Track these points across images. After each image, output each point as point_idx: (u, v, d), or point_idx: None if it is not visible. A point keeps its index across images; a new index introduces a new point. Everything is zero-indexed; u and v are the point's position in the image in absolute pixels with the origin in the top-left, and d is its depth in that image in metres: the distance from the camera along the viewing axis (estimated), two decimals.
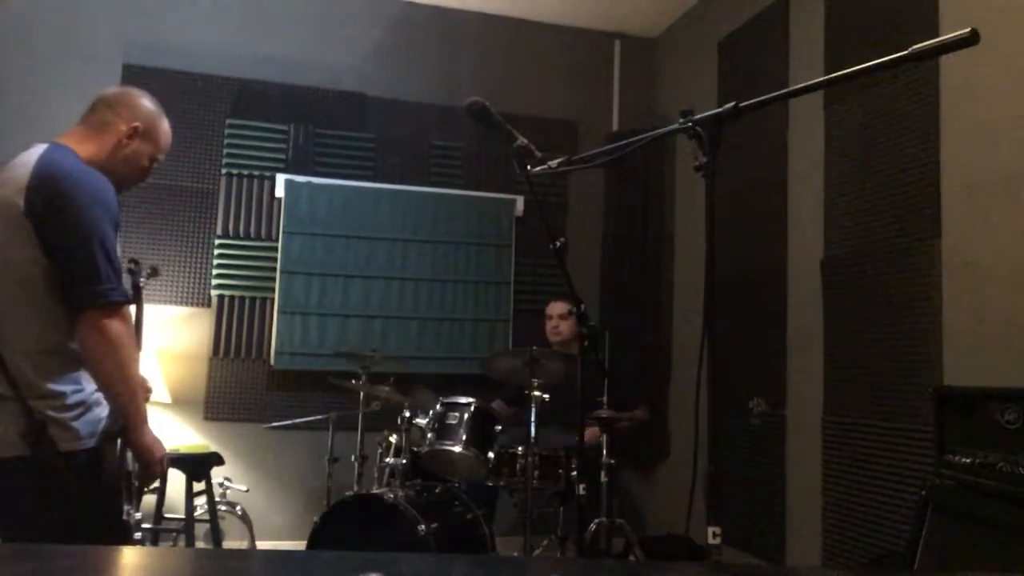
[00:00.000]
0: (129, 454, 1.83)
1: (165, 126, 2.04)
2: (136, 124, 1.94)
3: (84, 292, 1.70)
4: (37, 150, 1.80)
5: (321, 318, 4.26)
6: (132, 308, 1.89)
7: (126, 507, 1.80)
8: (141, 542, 1.87)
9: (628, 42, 5.00)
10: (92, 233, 1.71)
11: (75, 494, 1.68)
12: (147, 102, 1.99)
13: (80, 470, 1.70)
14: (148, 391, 2.08)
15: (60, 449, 1.68)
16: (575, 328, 3.80)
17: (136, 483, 1.86)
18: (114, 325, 1.72)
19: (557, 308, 3.95)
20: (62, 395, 1.71)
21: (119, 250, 1.81)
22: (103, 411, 1.77)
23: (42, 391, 1.69)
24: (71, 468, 1.69)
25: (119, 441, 1.80)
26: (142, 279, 2.18)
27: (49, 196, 1.69)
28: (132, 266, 2.19)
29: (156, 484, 2.27)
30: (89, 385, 1.76)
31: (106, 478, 1.76)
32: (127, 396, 1.76)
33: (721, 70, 4.16)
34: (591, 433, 3.27)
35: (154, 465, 1.84)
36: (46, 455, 1.66)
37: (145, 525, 3.58)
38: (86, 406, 1.74)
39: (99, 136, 1.91)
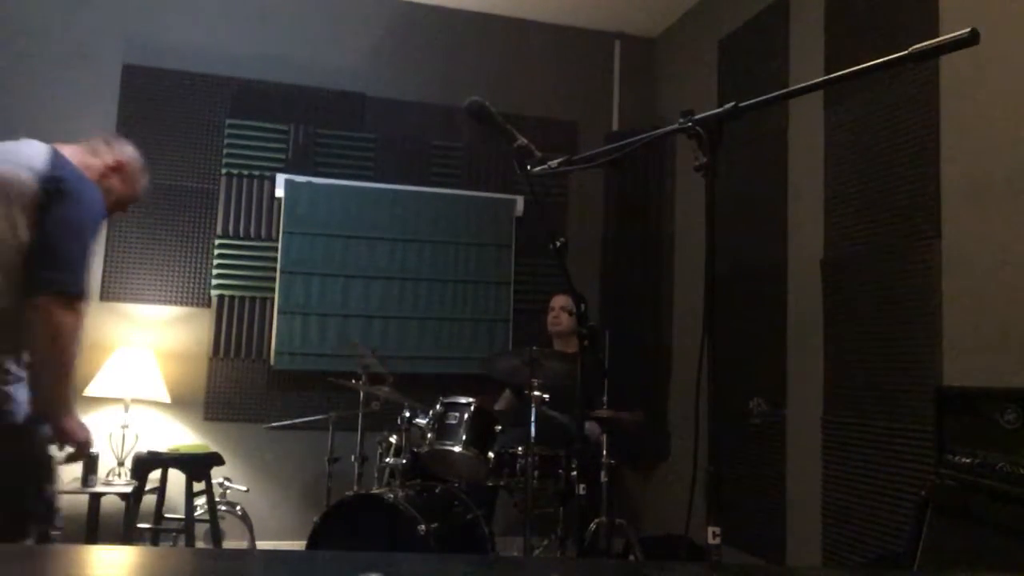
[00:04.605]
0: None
1: (144, 179, 2.26)
2: (120, 160, 2.17)
3: (49, 277, 1.84)
4: (40, 144, 1.96)
5: (321, 318, 4.26)
6: None
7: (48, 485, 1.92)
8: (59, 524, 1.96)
9: (628, 42, 5.00)
10: (77, 230, 1.88)
11: (14, 462, 1.83)
12: (133, 150, 2.23)
13: (16, 441, 1.84)
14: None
15: (8, 421, 1.82)
16: (574, 323, 3.82)
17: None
18: (66, 315, 1.84)
19: (560, 300, 3.97)
20: (8, 371, 1.84)
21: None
22: (24, 390, 1.90)
23: (3, 367, 1.82)
24: (11, 437, 1.83)
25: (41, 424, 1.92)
26: None
27: (58, 187, 1.86)
28: None
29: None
30: (17, 367, 1.88)
31: (37, 453, 1.90)
32: (60, 381, 1.89)
33: (721, 70, 4.16)
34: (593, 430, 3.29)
35: (83, 442, 1.99)
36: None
37: (144, 525, 3.60)
38: (20, 383, 1.87)
39: (88, 158, 2.11)
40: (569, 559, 2.99)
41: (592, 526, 3.05)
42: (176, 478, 3.56)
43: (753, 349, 3.60)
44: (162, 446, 3.70)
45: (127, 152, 2.19)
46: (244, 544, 3.93)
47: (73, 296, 1.86)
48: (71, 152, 2.04)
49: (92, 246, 1.94)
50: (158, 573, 0.96)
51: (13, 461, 1.84)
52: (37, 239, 1.84)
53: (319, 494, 3.81)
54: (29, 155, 1.90)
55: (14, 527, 1.82)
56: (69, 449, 1.99)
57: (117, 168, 2.14)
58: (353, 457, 3.51)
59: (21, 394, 1.85)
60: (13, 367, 1.84)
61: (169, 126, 4.24)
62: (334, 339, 4.23)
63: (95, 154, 2.12)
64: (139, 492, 3.56)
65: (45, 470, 1.92)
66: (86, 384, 3.78)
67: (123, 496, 3.56)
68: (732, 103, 1.31)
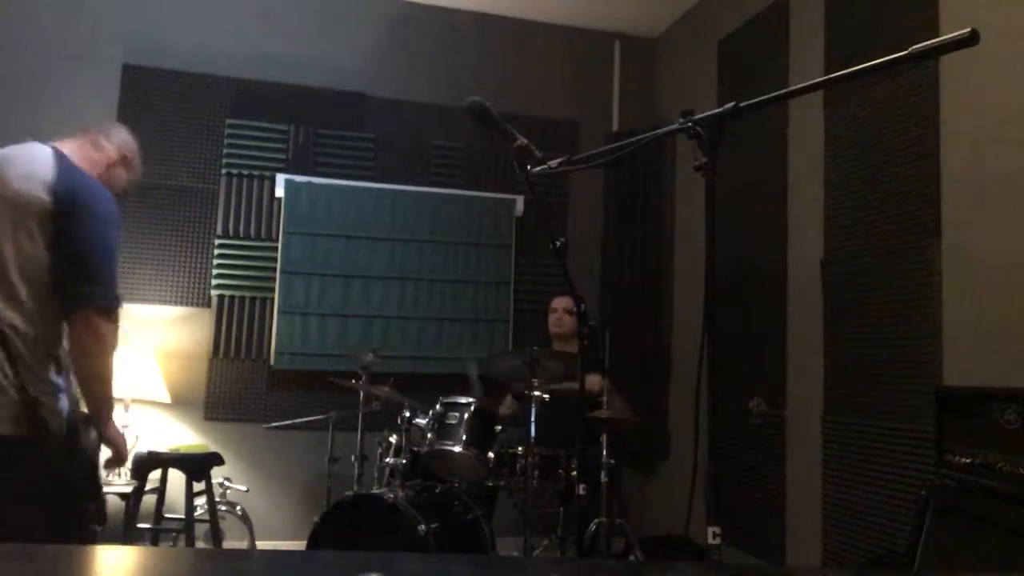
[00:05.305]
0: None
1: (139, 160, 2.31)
2: (123, 152, 2.23)
3: (87, 291, 1.89)
4: (43, 149, 1.98)
5: (321, 318, 4.26)
6: None
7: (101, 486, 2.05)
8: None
9: (628, 42, 4.99)
10: (105, 243, 1.94)
11: (64, 467, 1.89)
12: (129, 136, 2.28)
13: (66, 446, 1.90)
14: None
15: (50, 429, 1.87)
16: (576, 323, 3.82)
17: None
18: (106, 326, 1.93)
19: (562, 302, 3.97)
20: (51, 382, 1.90)
21: None
22: (67, 399, 1.96)
23: (39, 377, 1.87)
24: (58, 445, 1.88)
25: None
26: None
27: (73, 201, 1.90)
28: None
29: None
30: (58, 377, 1.93)
31: (89, 455, 1.99)
32: (104, 390, 1.97)
33: (721, 70, 4.16)
34: (593, 382, 3.27)
35: (124, 451, 2.10)
36: (40, 434, 1.84)
37: (144, 525, 3.60)
38: (61, 392, 1.93)
39: (93, 152, 2.15)
40: (569, 559, 2.99)
41: (592, 526, 3.05)
42: (176, 478, 3.55)
43: (753, 349, 3.60)
44: (162, 446, 3.70)
45: (126, 141, 2.25)
46: (244, 544, 3.93)
47: (110, 307, 1.94)
48: (74, 149, 2.06)
49: (117, 252, 2.01)
50: (158, 573, 0.96)
51: (70, 464, 1.90)
52: (67, 255, 1.89)
53: (319, 494, 3.81)
54: (39, 167, 1.92)
55: (71, 527, 1.89)
56: (109, 454, 2.07)
57: (121, 160, 2.21)
58: (353, 457, 3.51)
59: (63, 403, 1.91)
60: (53, 377, 1.90)
61: (169, 126, 4.24)
62: (334, 339, 4.23)
63: (98, 148, 2.16)
64: (139, 492, 3.55)
65: (97, 472, 2.02)
66: None
67: (123, 496, 3.55)
68: (732, 103, 1.31)
